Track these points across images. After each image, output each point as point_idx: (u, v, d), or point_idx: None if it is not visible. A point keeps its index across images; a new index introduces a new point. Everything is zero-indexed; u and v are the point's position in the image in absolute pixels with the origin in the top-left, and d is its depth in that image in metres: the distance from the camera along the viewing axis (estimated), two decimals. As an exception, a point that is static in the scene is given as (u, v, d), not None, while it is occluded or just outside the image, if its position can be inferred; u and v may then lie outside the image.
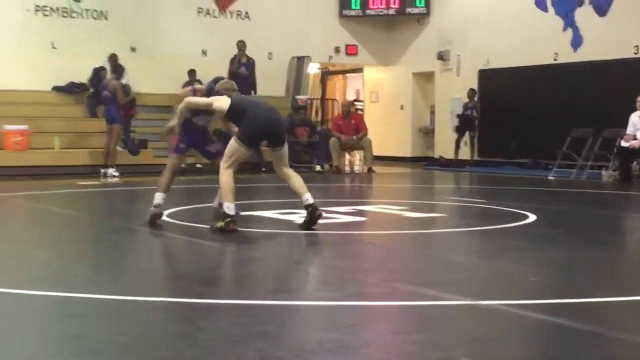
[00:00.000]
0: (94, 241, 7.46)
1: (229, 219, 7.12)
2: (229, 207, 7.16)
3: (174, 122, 7.65)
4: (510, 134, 17.33)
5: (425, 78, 19.92)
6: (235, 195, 7.26)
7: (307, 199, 7.48)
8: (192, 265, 6.13)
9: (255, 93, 17.35)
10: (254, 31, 18.28)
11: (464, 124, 17.92)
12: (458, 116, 18.04)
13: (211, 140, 8.42)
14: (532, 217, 8.41)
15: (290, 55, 19.05)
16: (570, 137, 14.82)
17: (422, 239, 7.64)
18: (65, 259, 6.27)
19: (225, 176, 7.33)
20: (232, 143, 7.47)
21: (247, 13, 18.77)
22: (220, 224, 7.19)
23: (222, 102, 7.50)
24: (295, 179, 7.65)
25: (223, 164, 7.42)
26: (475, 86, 18.28)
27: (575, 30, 16.66)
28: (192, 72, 16.47)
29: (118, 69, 15.99)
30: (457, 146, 17.88)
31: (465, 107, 17.96)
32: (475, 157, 17.97)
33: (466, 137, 17.96)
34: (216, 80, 8.36)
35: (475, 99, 18.04)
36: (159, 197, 7.77)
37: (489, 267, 5.93)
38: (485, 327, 4.12)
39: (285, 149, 7.64)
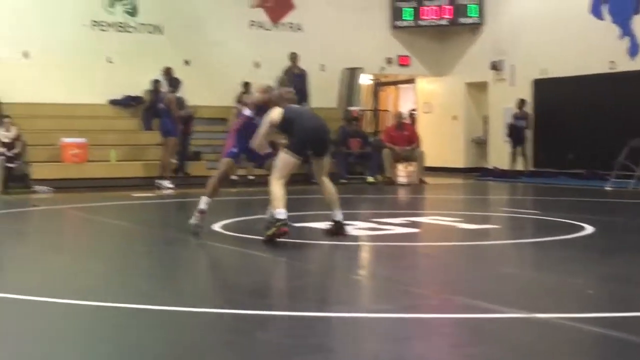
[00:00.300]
0: (148, 252, 7.55)
1: (280, 222, 7.15)
2: (280, 212, 7.21)
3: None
4: (566, 144, 17.09)
5: (478, 88, 19.76)
6: (286, 204, 7.28)
7: (335, 215, 7.67)
8: (245, 277, 6.16)
9: (307, 105, 17.41)
10: (306, 43, 18.35)
11: (514, 135, 17.77)
12: (508, 126, 17.90)
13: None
14: (588, 229, 8.27)
15: (342, 66, 19.07)
16: (628, 146, 14.56)
17: (476, 250, 7.56)
18: (119, 270, 6.36)
19: (276, 186, 7.43)
20: (282, 155, 7.60)
21: (299, 25, 18.85)
22: (271, 231, 7.22)
23: (275, 115, 7.64)
24: (331, 192, 7.79)
25: (273, 176, 7.52)
26: (529, 96, 18.09)
27: (632, 38, 16.38)
28: (246, 85, 16.60)
29: (173, 82, 16.19)
30: (513, 157, 17.71)
31: (515, 117, 17.81)
32: (530, 168, 17.77)
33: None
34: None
35: (525, 109, 17.86)
36: (203, 202, 7.92)
37: (543, 280, 5.85)
38: (541, 340, 4.05)
39: (327, 158, 7.82)
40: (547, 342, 4.03)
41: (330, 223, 7.79)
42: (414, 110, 21.43)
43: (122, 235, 8.73)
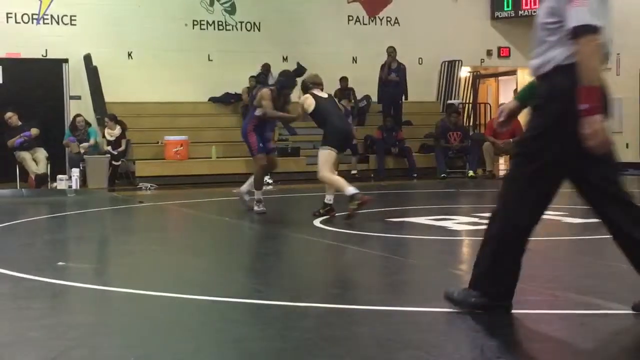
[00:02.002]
0: (249, 247, 7.62)
1: (353, 195, 8.35)
2: (349, 190, 8.41)
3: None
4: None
5: (582, 79, 19.19)
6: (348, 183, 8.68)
7: (329, 200, 8.90)
8: (346, 272, 6.14)
9: (406, 99, 17.30)
10: (404, 37, 18.22)
11: None
12: None
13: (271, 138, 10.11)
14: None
15: (440, 59, 18.86)
16: None
17: (583, 245, 7.33)
18: (222, 265, 6.43)
19: (327, 175, 8.71)
20: (322, 152, 8.81)
21: (396, 19, 18.73)
22: (354, 204, 8.37)
23: (308, 103, 9.03)
24: (336, 180, 8.81)
25: (322, 172, 8.74)
26: (636, 85, 17.49)
27: None
28: (343, 79, 16.59)
29: (261, 78, 16.30)
30: None
31: None
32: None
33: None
34: (283, 73, 10.21)
35: None
36: (258, 194, 9.53)
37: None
38: (656, 338, 3.89)
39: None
40: (662, 340, 3.85)
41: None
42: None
43: (225, 230, 8.85)
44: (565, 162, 4.08)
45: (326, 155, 8.78)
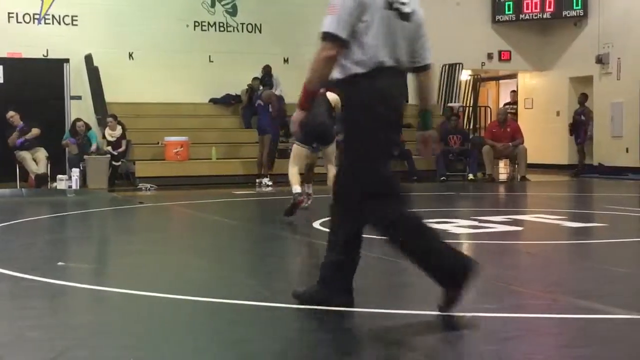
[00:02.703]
0: (249, 248, 7.62)
1: (293, 194, 8.77)
2: (294, 188, 8.86)
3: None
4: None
5: (583, 83, 19.21)
6: (300, 182, 9.05)
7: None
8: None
9: (406, 102, 17.19)
10: (405, 39, 18.20)
11: (575, 130, 17.75)
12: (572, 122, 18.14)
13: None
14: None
15: (441, 62, 18.86)
16: None
17: (582, 249, 7.34)
18: (221, 266, 6.42)
19: (289, 169, 9.16)
20: (293, 147, 9.26)
21: (398, 22, 18.73)
22: (289, 206, 8.79)
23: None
24: (330, 179, 8.78)
25: (290, 164, 9.16)
26: (637, 90, 17.50)
27: None
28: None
29: (266, 80, 16.33)
30: (579, 153, 17.88)
31: (576, 112, 17.75)
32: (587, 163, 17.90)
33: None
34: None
35: (587, 104, 17.74)
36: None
37: (656, 280, 5.61)
38: (655, 343, 3.88)
39: (333, 147, 9.07)
40: (661, 344, 3.85)
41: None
42: (508, 104, 20.88)
43: (225, 231, 8.85)
44: None
45: (294, 150, 9.28)
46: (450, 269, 4.12)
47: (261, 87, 15.99)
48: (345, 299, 4.34)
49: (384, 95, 4.14)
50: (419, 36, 4.40)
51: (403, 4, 4.21)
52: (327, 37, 4.06)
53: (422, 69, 4.47)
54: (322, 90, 9.66)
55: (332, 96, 9.08)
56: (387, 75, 4.15)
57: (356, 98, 4.14)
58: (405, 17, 4.23)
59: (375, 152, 4.17)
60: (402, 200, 4.22)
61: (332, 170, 8.90)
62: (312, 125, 8.92)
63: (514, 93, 21.03)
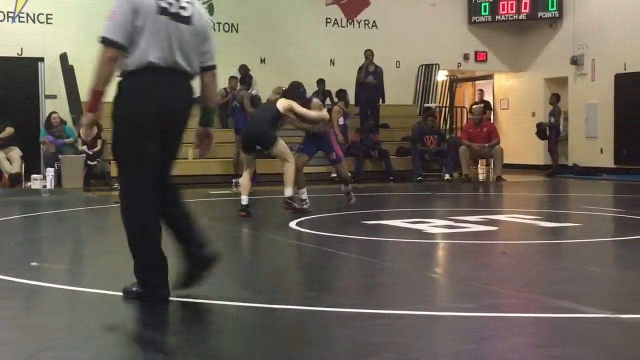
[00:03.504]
0: (225, 249, 7.59)
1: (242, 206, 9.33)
2: (243, 198, 9.40)
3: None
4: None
5: (558, 84, 19.34)
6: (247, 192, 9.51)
7: (285, 192, 9.34)
8: (323, 274, 6.13)
9: (383, 102, 17.32)
10: (381, 40, 18.26)
11: (541, 132, 17.86)
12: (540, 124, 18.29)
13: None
14: (675, 227, 8.00)
15: (418, 63, 18.93)
16: None
17: (557, 249, 7.39)
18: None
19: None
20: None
21: (374, 22, 18.78)
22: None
23: None
24: (285, 172, 9.40)
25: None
26: (611, 91, 17.66)
27: None
28: (321, 82, 16.59)
29: (247, 80, 16.29)
30: (551, 153, 18.02)
31: (549, 114, 17.93)
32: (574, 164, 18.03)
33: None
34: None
35: (559, 104, 17.83)
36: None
37: (629, 279, 5.66)
38: (626, 341, 3.91)
39: (276, 149, 9.39)
40: (632, 343, 3.88)
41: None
42: (475, 104, 20.74)
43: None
44: None
45: (242, 157, 10.17)
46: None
47: (239, 86, 15.94)
48: (161, 292, 4.59)
49: (145, 93, 4.52)
50: (203, 39, 4.86)
51: (182, 8, 4.61)
52: (105, 41, 4.49)
53: (206, 70, 4.93)
54: (274, 97, 10.41)
55: (282, 103, 9.50)
56: (155, 75, 4.52)
57: (122, 94, 4.56)
58: (184, 20, 4.62)
59: (133, 137, 4.57)
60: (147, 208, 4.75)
61: (289, 167, 9.35)
62: (253, 130, 9.59)
63: (481, 92, 21.01)
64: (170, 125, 4.71)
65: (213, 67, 5.00)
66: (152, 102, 4.53)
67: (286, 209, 9.26)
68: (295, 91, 9.95)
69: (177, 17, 4.57)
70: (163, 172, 4.79)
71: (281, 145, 9.47)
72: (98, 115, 4.58)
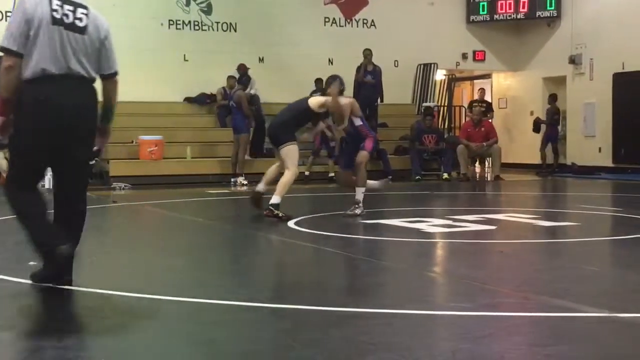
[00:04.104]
0: (223, 248, 7.59)
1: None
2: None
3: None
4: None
5: (556, 83, 19.35)
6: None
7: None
8: (321, 274, 6.13)
9: (382, 101, 17.33)
10: (380, 39, 18.26)
11: (536, 125, 18.19)
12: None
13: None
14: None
15: (416, 62, 18.93)
16: None
17: (555, 248, 7.40)
18: (195, 266, 6.40)
19: None
20: None
21: (373, 21, 18.78)
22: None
23: None
24: (276, 173, 9.19)
25: None
26: (609, 90, 17.66)
27: None
28: (318, 81, 16.58)
29: (244, 80, 16.29)
30: (552, 152, 18.15)
31: (546, 112, 18.08)
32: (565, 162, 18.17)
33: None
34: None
35: (557, 104, 17.89)
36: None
37: (627, 278, 5.67)
38: (624, 341, 3.92)
39: (284, 149, 8.83)
40: (630, 343, 3.89)
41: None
42: (475, 101, 20.69)
43: (199, 231, 8.82)
44: None
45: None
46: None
47: (237, 85, 15.95)
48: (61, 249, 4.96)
49: (40, 100, 4.71)
50: (99, 48, 5.01)
51: (78, 19, 4.83)
52: (3, 50, 4.72)
53: (106, 77, 5.18)
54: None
55: (316, 99, 9.15)
56: (49, 82, 4.73)
57: (21, 102, 4.73)
58: (79, 30, 4.83)
59: (22, 147, 4.83)
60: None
61: (288, 176, 8.88)
62: (273, 123, 9.22)
63: (482, 91, 21.00)
64: (69, 132, 4.84)
65: (113, 75, 5.25)
66: (50, 112, 4.72)
67: (267, 216, 8.71)
68: (330, 82, 9.38)
69: (72, 27, 4.80)
70: (66, 183, 5.27)
71: (292, 149, 8.87)
72: (10, 119, 4.76)
